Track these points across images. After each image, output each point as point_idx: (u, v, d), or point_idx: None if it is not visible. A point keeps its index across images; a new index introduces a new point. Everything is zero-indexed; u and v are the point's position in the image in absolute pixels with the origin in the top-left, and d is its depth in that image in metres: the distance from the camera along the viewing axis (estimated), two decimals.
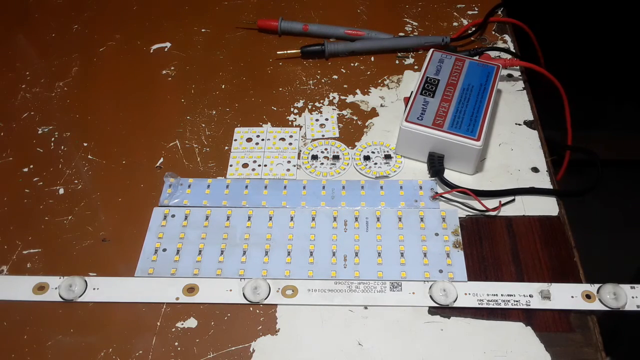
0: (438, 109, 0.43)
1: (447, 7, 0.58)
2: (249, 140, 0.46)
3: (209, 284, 0.37)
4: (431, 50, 0.48)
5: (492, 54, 0.52)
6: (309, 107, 0.49)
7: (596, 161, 0.45)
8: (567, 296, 0.36)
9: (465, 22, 0.56)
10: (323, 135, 0.47)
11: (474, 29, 0.55)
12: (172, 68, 0.53)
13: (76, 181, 0.44)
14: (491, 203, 0.41)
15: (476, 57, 0.48)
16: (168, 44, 0.56)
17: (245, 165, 0.45)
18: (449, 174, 0.42)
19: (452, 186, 0.41)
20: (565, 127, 0.50)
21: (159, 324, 0.36)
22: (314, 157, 0.45)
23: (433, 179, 0.43)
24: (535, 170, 0.43)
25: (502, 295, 0.36)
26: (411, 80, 0.51)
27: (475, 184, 0.43)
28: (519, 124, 0.47)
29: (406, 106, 0.44)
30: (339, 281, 0.37)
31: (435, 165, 0.42)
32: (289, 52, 0.53)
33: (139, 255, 0.39)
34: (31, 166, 0.45)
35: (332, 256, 0.39)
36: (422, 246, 0.39)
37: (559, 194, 0.42)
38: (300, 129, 0.47)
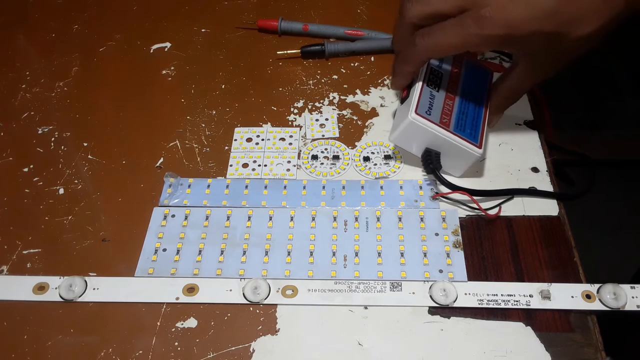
0: (444, 106, 0.41)
1: None
2: (249, 140, 0.46)
3: (209, 284, 0.37)
4: None
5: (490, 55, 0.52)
6: (309, 107, 0.49)
7: (590, 163, 0.45)
8: (567, 296, 0.36)
9: None
10: (323, 135, 0.47)
11: None
12: (172, 68, 0.53)
13: (76, 181, 0.44)
14: (491, 203, 0.41)
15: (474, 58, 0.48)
16: (168, 44, 0.56)
17: (245, 165, 0.45)
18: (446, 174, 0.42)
19: (453, 187, 0.41)
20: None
21: (159, 324, 0.36)
22: (314, 157, 0.45)
23: (429, 175, 0.42)
24: (535, 170, 0.43)
25: (502, 295, 0.36)
26: None
27: (475, 184, 0.42)
28: (519, 124, 0.47)
29: (406, 95, 0.42)
30: (339, 281, 0.37)
31: (433, 162, 0.41)
32: (289, 52, 0.53)
33: (139, 255, 0.39)
34: (31, 166, 0.45)
35: (332, 256, 0.39)
36: (422, 246, 0.39)
37: (557, 197, 0.41)
38: (300, 129, 0.47)
